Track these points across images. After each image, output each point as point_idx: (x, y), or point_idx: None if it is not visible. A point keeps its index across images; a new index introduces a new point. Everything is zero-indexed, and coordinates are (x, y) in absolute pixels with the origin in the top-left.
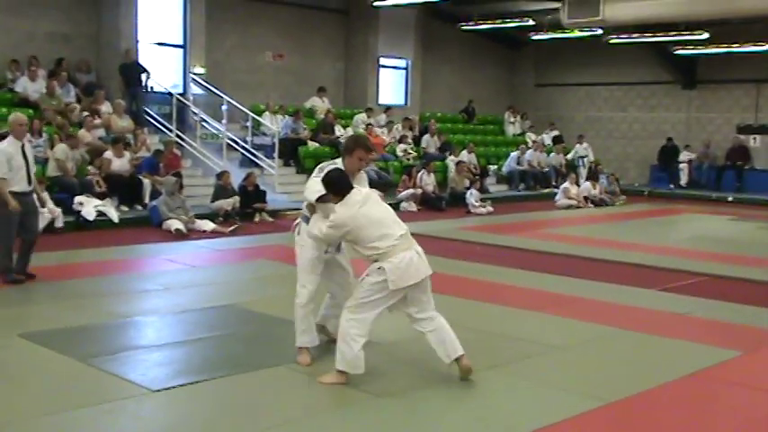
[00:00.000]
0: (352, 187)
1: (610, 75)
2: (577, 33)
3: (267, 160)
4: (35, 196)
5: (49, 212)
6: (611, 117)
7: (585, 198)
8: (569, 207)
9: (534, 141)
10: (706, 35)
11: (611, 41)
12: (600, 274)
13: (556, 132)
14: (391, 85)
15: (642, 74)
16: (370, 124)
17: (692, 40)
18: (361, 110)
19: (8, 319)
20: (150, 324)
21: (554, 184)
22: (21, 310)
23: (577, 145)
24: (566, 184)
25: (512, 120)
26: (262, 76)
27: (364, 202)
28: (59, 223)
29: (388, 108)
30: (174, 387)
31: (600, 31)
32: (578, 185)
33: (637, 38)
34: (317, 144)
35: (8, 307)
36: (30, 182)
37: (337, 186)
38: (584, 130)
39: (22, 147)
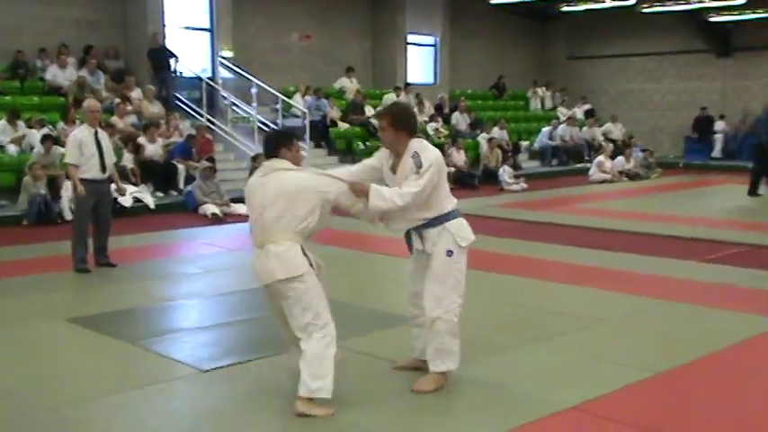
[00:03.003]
0: (267, 155)
1: (643, 45)
2: (610, 3)
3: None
4: (113, 185)
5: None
6: (644, 88)
7: (620, 172)
8: (604, 181)
9: (568, 117)
10: (742, 0)
11: (644, 11)
12: (639, 248)
13: (588, 106)
14: (420, 63)
15: (676, 43)
16: None
17: (727, 5)
18: (390, 90)
19: (55, 305)
20: (194, 306)
21: (587, 158)
22: (66, 296)
23: (609, 124)
24: (600, 158)
25: (539, 94)
26: (290, 57)
27: (261, 175)
28: None
29: (407, 85)
30: (223, 367)
31: (633, 1)
32: (612, 159)
33: (670, 6)
34: (347, 125)
35: (54, 293)
36: (104, 170)
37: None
38: (616, 103)
39: (96, 134)
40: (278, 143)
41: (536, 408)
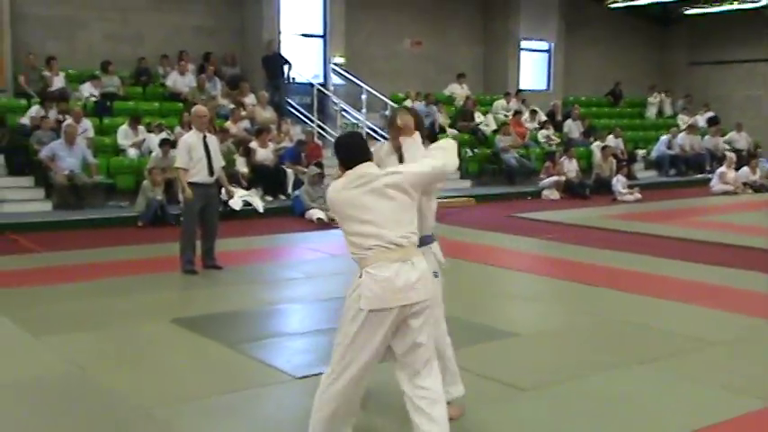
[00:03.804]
0: (360, 159)
1: None
2: (736, 5)
3: None
4: (223, 189)
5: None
6: None
7: (744, 184)
8: (726, 193)
9: (689, 125)
10: None
11: None
12: (760, 265)
13: (711, 114)
14: (532, 69)
15: None
16: (518, 111)
17: None
18: (500, 96)
19: (161, 305)
20: (295, 311)
21: (708, 168)
22: (172, 296)
23: (733, 132)
24: (722, 169)
25: (656, 100)
26: (400, 63)
27: (362, 184)
28: None
29: (519, 92)
30: (317, 374)
31: (762, 2)
32: (736, 170)
33: None
34: (456, 131)
35: (160, 293)
36: (212, 173)
37: (343, 152)
38: (742, 111)
39: (204, 138)
40: (368, 146)
41: None
